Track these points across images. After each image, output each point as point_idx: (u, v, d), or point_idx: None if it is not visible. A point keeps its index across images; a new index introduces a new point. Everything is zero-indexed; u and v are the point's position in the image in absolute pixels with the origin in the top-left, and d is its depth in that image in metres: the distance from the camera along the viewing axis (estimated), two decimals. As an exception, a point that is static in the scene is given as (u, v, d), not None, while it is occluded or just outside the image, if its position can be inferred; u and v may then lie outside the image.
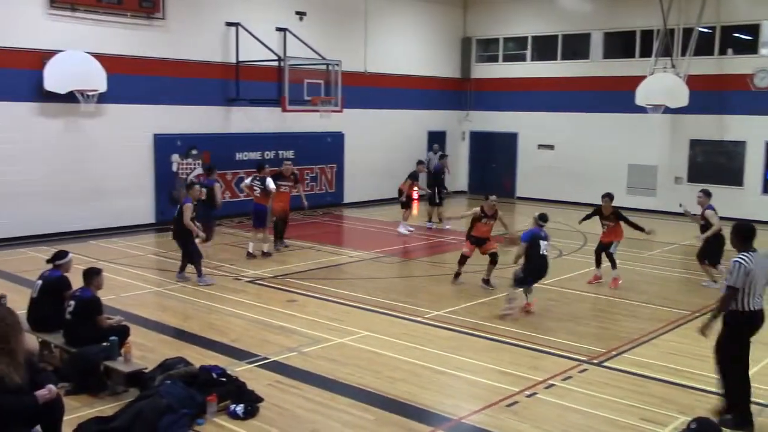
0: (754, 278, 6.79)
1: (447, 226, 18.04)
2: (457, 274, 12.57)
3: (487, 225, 12.36)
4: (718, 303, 6.97)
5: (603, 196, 12.99)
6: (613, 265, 12.88)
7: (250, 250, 14.44)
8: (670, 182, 21.89)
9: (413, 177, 17.82)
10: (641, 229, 12.75)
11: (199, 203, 12.81)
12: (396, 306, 11.09)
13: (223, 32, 18.91)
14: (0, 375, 5.32)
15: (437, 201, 19.11)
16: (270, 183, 14.43)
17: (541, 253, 10.63)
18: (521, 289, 10.86)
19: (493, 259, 12.29)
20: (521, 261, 10.73)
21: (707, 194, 13.07)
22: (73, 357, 7.73)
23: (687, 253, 16.04)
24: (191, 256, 12.33)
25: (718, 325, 7.02)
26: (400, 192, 17.90)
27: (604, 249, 12.99)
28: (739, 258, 6.84)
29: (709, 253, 12.82)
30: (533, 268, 10.69)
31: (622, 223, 12.91)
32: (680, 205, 13.93)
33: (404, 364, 8.55)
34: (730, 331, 6.92)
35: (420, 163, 18.80)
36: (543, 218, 10.98)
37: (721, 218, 12.69)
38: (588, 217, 13.32)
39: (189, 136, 18.37)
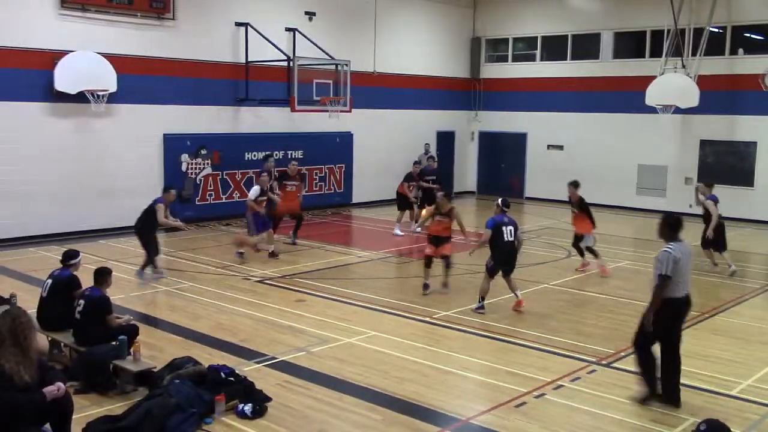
0: (680, 267, 7.16)
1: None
2: (425, 285, 11.88)
3: (441, 223, 11.92)
4: (654, 292, 7.26)
5: (569, 184, 13.81)
6: (595, 255, 13.54)
7: (270, 250, 14.48)
8: (680, 183, 21.78)
9: (407, 178, 17.88)
10: (592, 224, 13.54)
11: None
12: (404, 306, 11.09)
13: (232, 32, 18.96)
14: (9, 373, 5.36)
15: (418, 203, 18.24)
16: (252, 193, 14.22)
17: (505, 239, 10.63)
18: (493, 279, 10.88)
19: (446, 263, 11.94)
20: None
21: (708, 185, 14.07)
22: (82, 356, 7.78)
23: (697, 253, 15.96)
24: (149, 252, 12.44)
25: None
26: (397, 194, 17.97)
27: (578, 240, 13.73)
28: (668, 248, 7.23)
29: (713, 241, 13.64)
30: (500, 256, 10.73)
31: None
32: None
33: (412, 364, 8.56)
34: (659, 318, 7.26)
35: (416, 163, 18.76)
36: (505, 204, 11.01)
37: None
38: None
39: (198, 136, 18.42)
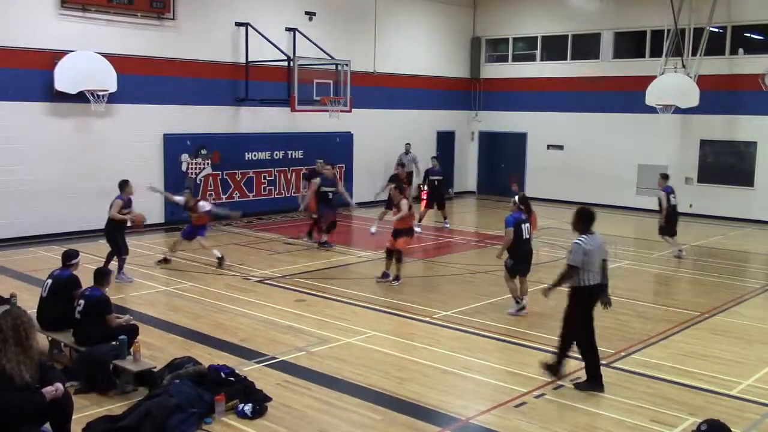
0: (591, 257, 7.67)
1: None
2: (384, 273, 12.54)
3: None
4: (558, 277, 7.97)
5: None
6: None
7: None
8: (680, 183, 21.72)
9: (391, 180, 17.81)
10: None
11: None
12: (404, 306, 11.09)
13: (232, 32, 18.96)
14: (9, 373, 5.36)
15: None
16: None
17: (524, 237, 10.49)
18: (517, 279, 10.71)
19: (396, 257, 12.35)
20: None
21: (664, 177, 15.27)
22: (82, 356, 7.77)
23: (697, 253, 15.99)
24: (119, 250, 12.38)
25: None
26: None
27: None
28: (579, 240, 7.74)
29: (666, 228, 15.11)
30: (519, 254, 10.56)
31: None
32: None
33: (412, 364, 8.56)
34: (575, 304, 7.88)
35: (400, 165, 19.14)
36: (523, 201, 10.76)
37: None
38: None
39: (198, 136, 18.42)
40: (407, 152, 21.45)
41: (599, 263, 7.85)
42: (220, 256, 13.59)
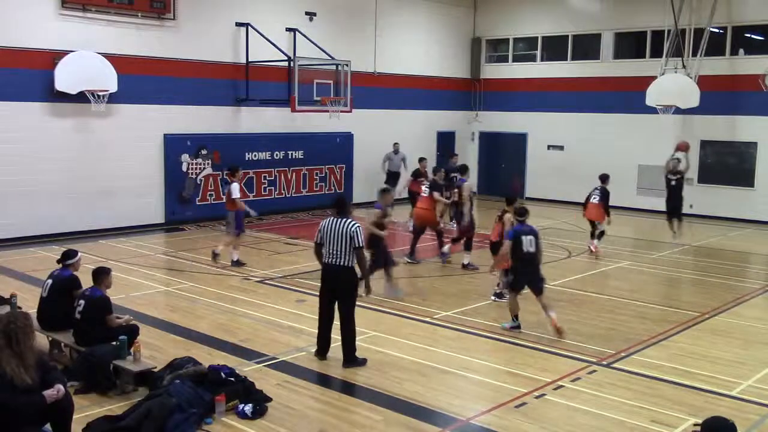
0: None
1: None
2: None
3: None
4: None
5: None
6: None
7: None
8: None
9: (414, 175, 18.14)
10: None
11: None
12: (404, 306, 11.08)
13: (233, 32, 18.96)
14: (10, 375, 5.37)
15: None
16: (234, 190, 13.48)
17: (524, 250, 9.75)
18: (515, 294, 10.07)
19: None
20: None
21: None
22: (82, 356, 7.77)
23: (697, 253, 15.99)
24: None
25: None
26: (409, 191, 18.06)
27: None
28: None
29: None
30: (521, 267, 9.91)
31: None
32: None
33: (412, 364, 8.56)
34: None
35: (422, 159, 18.87)
36: (521, 213, 10.15)
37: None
38: None
39: (199, 136, 18.42)
40: (396, 151, 21.45)
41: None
42: (217, 252, 13.66)
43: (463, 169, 15.06)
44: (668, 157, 16.95)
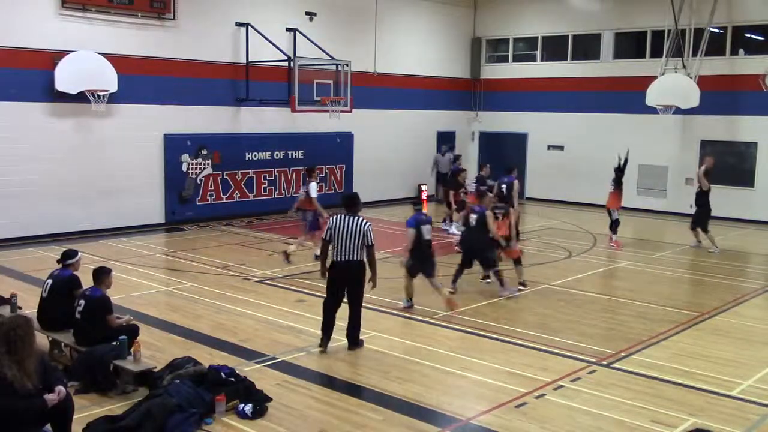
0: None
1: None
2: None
3: None
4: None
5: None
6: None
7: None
8: (681, 183, 21.77)
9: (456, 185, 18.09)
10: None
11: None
12: (404, 306, 11.07)
13: (233, 32, 18.96)
14: (11, 380, 5.38)
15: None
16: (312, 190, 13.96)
17: (424, 238, 10.52)
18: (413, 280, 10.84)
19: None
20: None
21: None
22: (82, 356, 7.77)
23: (697, 254, 15.98)
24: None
25: None
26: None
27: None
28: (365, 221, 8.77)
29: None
30: (417, 254, 10.60)
31: None
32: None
33: (412, 364, 8.55)
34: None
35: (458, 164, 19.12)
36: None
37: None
38: None
39: (199, 136, 18.42)
40: (444, 153, 21.34)
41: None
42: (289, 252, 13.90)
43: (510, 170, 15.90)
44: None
